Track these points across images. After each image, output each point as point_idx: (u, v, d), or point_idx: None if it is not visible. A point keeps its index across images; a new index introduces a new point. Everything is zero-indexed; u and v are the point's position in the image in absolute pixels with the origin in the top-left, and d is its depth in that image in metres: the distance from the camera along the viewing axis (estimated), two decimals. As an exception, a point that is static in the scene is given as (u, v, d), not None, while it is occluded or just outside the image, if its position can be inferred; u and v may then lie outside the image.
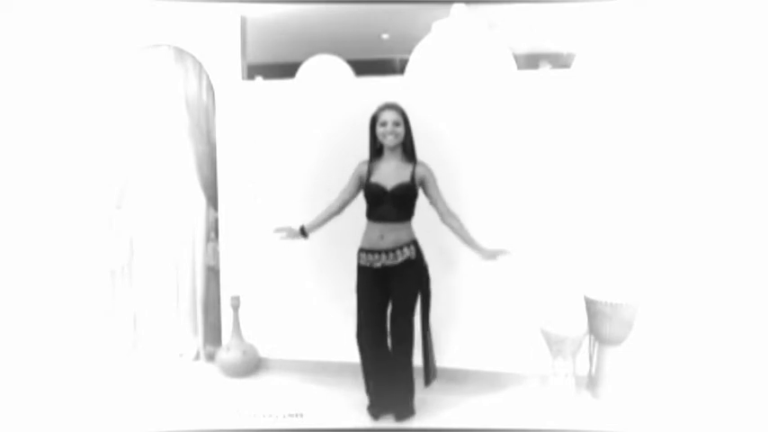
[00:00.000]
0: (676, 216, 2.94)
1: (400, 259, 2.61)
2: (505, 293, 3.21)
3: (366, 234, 2.66)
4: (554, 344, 2.99)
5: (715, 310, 2.79)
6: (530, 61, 3.47)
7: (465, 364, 3.23)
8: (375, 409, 2.77)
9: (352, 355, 3.36)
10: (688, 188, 2.91)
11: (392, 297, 2.66)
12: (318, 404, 2.97)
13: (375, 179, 2.60)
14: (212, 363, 3.53)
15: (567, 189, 3.09)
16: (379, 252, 2.61)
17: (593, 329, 3.00)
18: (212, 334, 3.66)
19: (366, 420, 2.78)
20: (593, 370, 3.09)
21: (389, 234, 2.60)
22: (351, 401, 2.97)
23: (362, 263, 2.67)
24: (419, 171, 2.64)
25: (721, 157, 2.77)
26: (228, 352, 3.39)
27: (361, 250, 2.67)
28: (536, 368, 3.15)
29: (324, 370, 3.39)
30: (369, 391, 2.80)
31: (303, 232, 2.75)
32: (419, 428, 2.66)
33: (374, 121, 2.64)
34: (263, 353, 3.51)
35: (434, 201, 2.67)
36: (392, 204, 2.59)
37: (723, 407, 2.63)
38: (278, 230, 2.73)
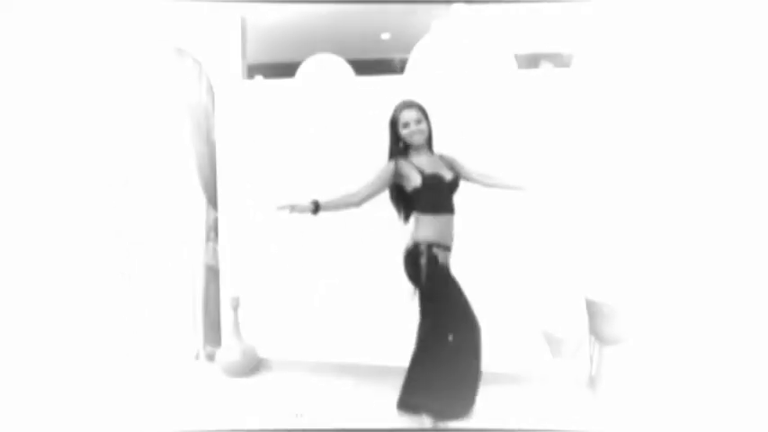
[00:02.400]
0: (676, 216, 2.94)
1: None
2: (505, 293, 3.21)
3: (437, 229, 2.53)
4: (554, 344, 2.99)
5: (715, 311, 2.79)
6: (530, 61, 3.47)
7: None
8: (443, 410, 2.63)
9: (352, 355, 3.38)
10: (688, 188, 2.90)
11: None
12: (319, 404, 2.97)
13: (430, 171, 2.54)
14: (212, 363, 3.53)
15: (568, 189, 3.08)
16: (448, 248, 2.56)
17: (594, 330, 3.00)
18: (212, 334, 3.66)
19: (364, 420, 2.78)
20: (594, 370, 3.09)
21: (452, 227, 2.58)
22: (351, 401, 2.97)
23: (443, 261, 2.53)
24: (447, 158, 2.66)
25: (721, 157, 2.77)
26: (228, 352, 3.39)
27: (439, 246, 2.52)
28: (536, 368, 3.15)
29: (324, 370, 3.39)
30: (416, 391, 2.62)
31: (315, 209, 2.48)
32: (419, 429, 2.66)
33: (394, 123, 2.60)
34: (262, 353, 3.52)
35: (470, 174, 2.67)
36: (450, 195, 2.58)
37: (723, 407, 2.63)
38: (281, 208, 2.44)
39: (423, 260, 2.50)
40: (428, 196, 2.54)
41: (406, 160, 2.58)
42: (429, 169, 2.54)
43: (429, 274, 2.50)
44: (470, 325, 2.57)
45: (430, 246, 2.51)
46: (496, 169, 2.75)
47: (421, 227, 2.55)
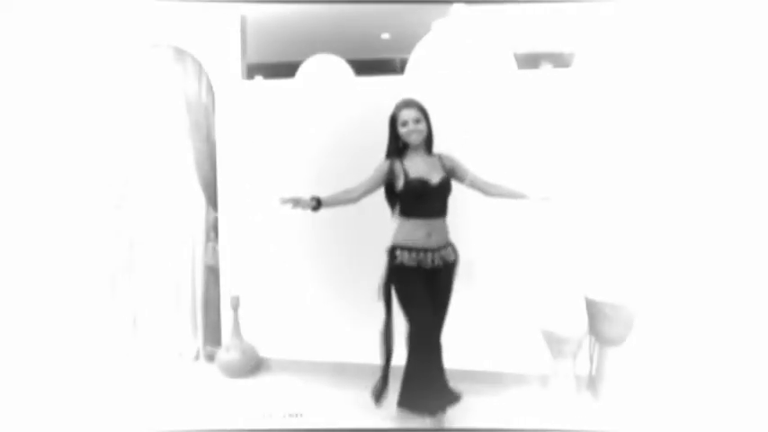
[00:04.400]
0: (677, 216, 2.94)
1: (448, 260, 2.60)
2: (505, 293, 3.21)
3: (408, 232, 2.55)
4: (554, 344, 2.99)
5: (715, 311, 2.79)
6: (530, 61, 3.47)
7: (465, 364, 3.23)
8: (439, 404, 2.65)
9: (352, 355, 3.37)
10: (688, 188, 2.91)
11: (436, 298, 2.62)
12: (318, 404, 2.97)
13: (415, 175, 2.53)
14: (212, 363, 3.53)
15: (568, 189, 3.08)
16: (426, 251, 2.55)
17: (594, 330, 3.00)
18: (212, 334, 3.66)
19: (365, 420, 2.78)
20: (594, 370, 3.09)
21: (436, 232, 2.57)
22: (351, 401, 2.97)
23: (408, 263, 2.55)
24: (446, 162, 2.64)
25: (721, 157, 2.77)
26: (228, 352, 3.39)
27: (404, 248, 2.55)
28: (536, 368, 3.15)
29: (324, 370, 3.39)
30: (413, 392, 2.63)
31: (317, 205, 2.49)
32: (419, 429, 2.66)
33: (393, 121, 2.58)
34: (263, 353, 3.51)
35: (473, 181, 2.67)
36: (437, 199, 2.56)
37: (723, 407, 2.63)
38: (284, 201, 2.43)
39: (393, 260, 2.58)
40: (409, 200, 2.55)
41: (399, 161, 2.58)
42: (414, 173, 2.53)
43: (388, 275, 2.60)
44: (432, 324, 2.61)
45: (394, 248, 2.58)
46: (499, 177, 2.76)
47: (399, 229, 2.60)
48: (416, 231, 2.55)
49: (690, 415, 2.70)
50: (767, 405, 2.58)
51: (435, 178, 2.55)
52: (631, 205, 3.03)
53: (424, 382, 2.61)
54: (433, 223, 2.56)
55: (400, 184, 2.54)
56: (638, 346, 2.99)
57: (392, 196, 2.65)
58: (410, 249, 2.55)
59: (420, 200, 2.54)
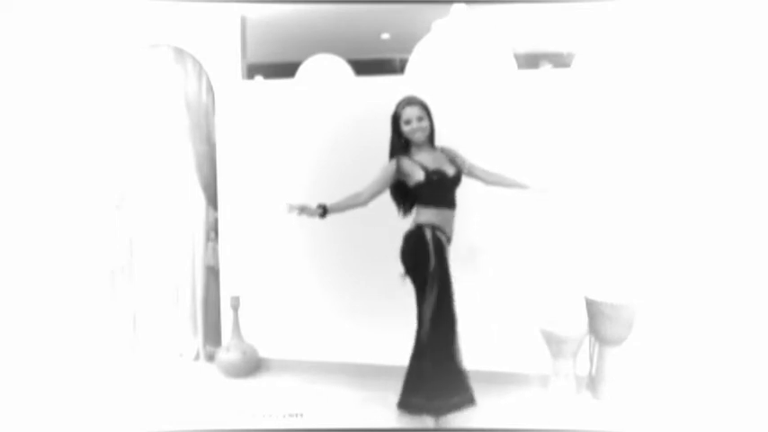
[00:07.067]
0: (677, 216, 2.94)
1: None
2: (505, 293, 3.21)
3: (432, 215, 2.55)
4: (554, 344, 2.99)
5: (715, 311, 2.79)
6: (530, 61, 3.47)
7: (465, 364, 3.23)
8: (444, 406, 2.64)
9: (352, 355, 3.38)
10: (688, 188, 2.90)
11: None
12: (318, 404, 2.97)
13: (433, 166, 2.55)
14: (212, 363, 3.53)
15: (568, 189, 3.08)
16: (448, 239, 2.60)
17: (594, 330, 3.00)
18: (212, 334, 3.66)
19: (364, 420, 2.78)
20: (594, 370, 3.09)
21: (451, 223, 2.60)
22: (350, 401, 2.97)
23: (442, 239, 2.56)
24: (448, 152, 2.67)
25: (721, 157, 2.76)
26: (228, 352, 3.39)
27: (434, 227, 2.54)
28: (536, 368, 3.15)
29: (324, 370, 3.39)
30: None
31: (323, 212, 2.52)
32: (418, 429, 2.66)
33: (396, 119, 2.59)
34: (263, 353, 3.51)
35: (471, 170, 2.68)
36: (452, 191, 2.59)
37: (723, 407, 2.63)
38: (291, 209, 2.48)
39: (428, 236, 2.53)
40: (430, 191, 2.55)
41: (407, 157, 2.58)
42: (432, 165, 2.55)
43: (433, 253, 2.52)
44: (454, 317, 2.61)
45: (434, 228, 2.54)
46: (498, 168, 2.76)
47: (423, 214, 2.58)
48: (445, 219, 2.57)
49: (690, 414, 2.70)
50: (767, 405, 2.58)
51: (450, 170, 2.58)
52: (631, 205, 3.04)
53: (434, 382, 2.59)
54: (450, 214, 2.59)
55: (419, 176, 2.53)
56: (638, 346, 2.99)
57: (400, 195, 2.67)
58: (445, 235, 2.57)
59: (439, 191, 2.56)
